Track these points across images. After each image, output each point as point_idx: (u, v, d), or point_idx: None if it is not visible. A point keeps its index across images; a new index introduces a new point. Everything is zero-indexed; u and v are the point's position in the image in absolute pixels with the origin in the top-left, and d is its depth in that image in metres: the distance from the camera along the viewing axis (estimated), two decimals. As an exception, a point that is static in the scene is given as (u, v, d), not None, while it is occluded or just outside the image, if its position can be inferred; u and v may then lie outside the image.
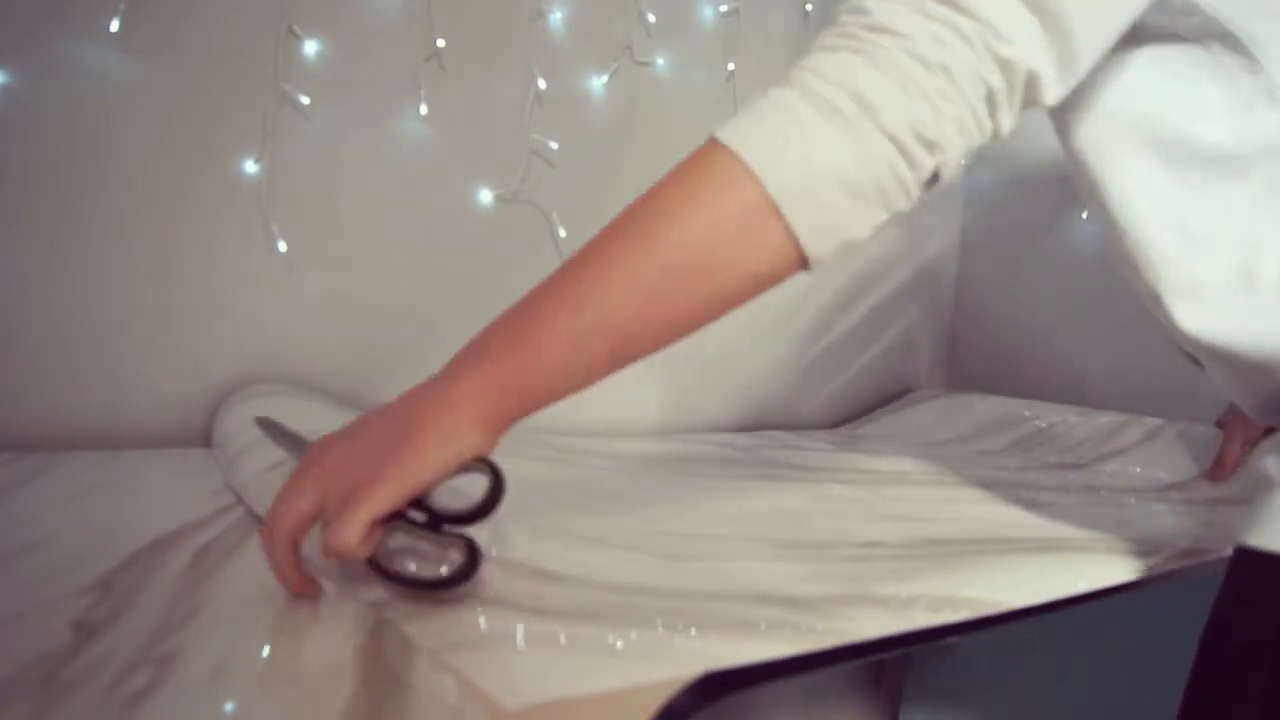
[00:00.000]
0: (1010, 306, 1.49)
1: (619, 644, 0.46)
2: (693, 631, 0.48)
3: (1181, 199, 0.55)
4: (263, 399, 0.88)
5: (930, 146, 0.47)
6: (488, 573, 0.53)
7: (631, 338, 0.48)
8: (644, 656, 0.45)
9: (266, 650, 0.43)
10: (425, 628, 0.45)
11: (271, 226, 0.94)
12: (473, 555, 0.48)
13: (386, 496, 0.45)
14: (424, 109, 1.02)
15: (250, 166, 0.93)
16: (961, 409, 1.38)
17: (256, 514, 0.62)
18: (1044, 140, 0.82)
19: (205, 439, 0.91)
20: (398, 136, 1.01)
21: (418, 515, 0.49)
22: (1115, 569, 0.67)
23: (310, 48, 0.95)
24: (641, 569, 0.59)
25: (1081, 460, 1.16)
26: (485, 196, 1.08)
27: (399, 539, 0.50)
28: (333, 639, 0.45)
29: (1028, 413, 1.30)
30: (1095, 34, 0.49)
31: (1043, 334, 1.41)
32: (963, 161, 0.50)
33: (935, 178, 0.49)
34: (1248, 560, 0.50)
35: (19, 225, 0.83)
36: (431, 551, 0.50)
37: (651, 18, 1.17)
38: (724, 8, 1.24)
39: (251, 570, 0.54)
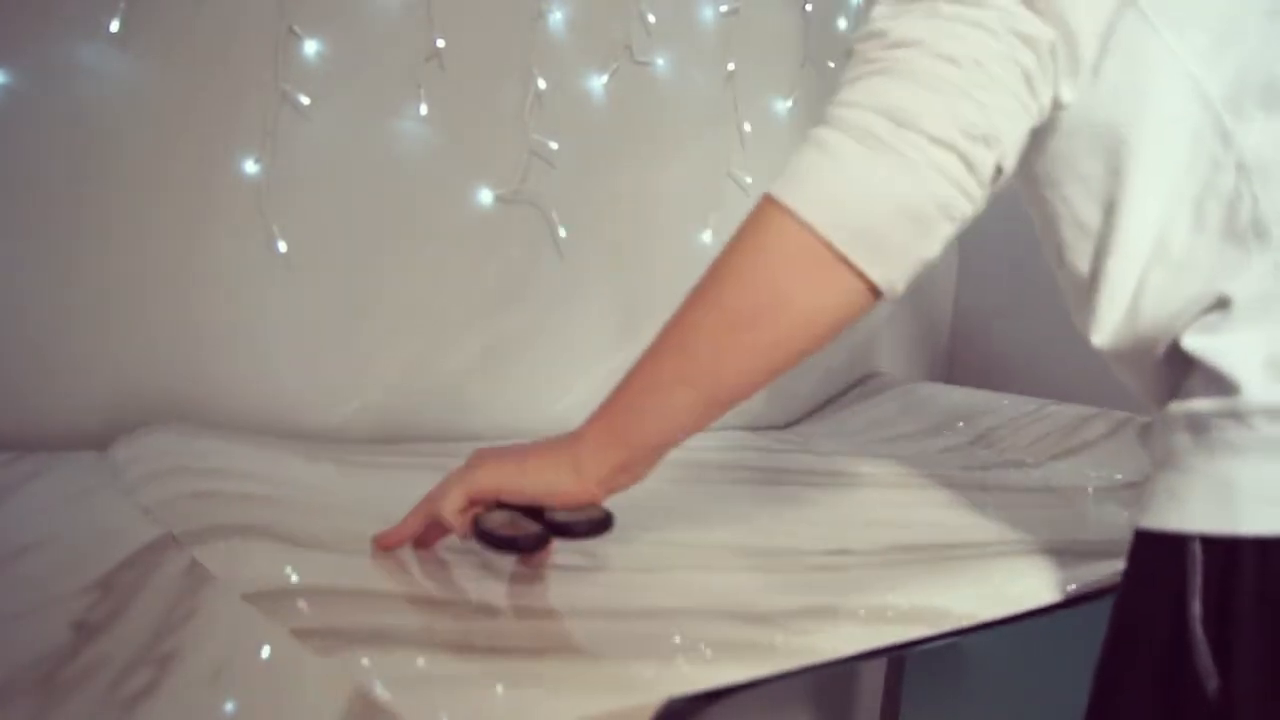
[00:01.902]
0: (1011, 304, 1.49)
1: (562, 676, 0.44)
2: (647, 662, 0.46)
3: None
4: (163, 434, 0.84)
5: (985, 141, 0.46)
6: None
7: (710, 386, 0.52)
8: (592, 689, 0.43)
9: (266, 650, 0.43)
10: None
11: (271, 226, 0.94)
12: (542, 538, 0.54)
13: (481, 480, 0.54)
14: (424, 109, 1.02)
15: (250, 166, 0.92)
16: (922, 401, 1.36)
17: (172, 533, 0.59)
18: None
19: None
20: (398, 136, 1.01)
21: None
22: (1076, 574, 0.67)
23: (310, 48, 0.95)
24: (596, 587, 0.58)
25: (1041, 456, 1.14)
26: (485, 196, 1.08)
27: (502, 519, 0.56)
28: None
29: (990, 405, 1.27)
30: (1092, 23, 0.49)
31: (1043, 331, 1.41)
32: (1021, 149, 0.50)
33: (999, 172, 0.49)
34: (1139, 542, 0.53)
35: (19, 224, 0.83)
36: (516, 529, 0.56)
37: (651, 18, 1.17)
38: (724, 8, 1.24)
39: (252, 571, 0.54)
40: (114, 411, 0.87)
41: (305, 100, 0.94)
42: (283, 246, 0.95)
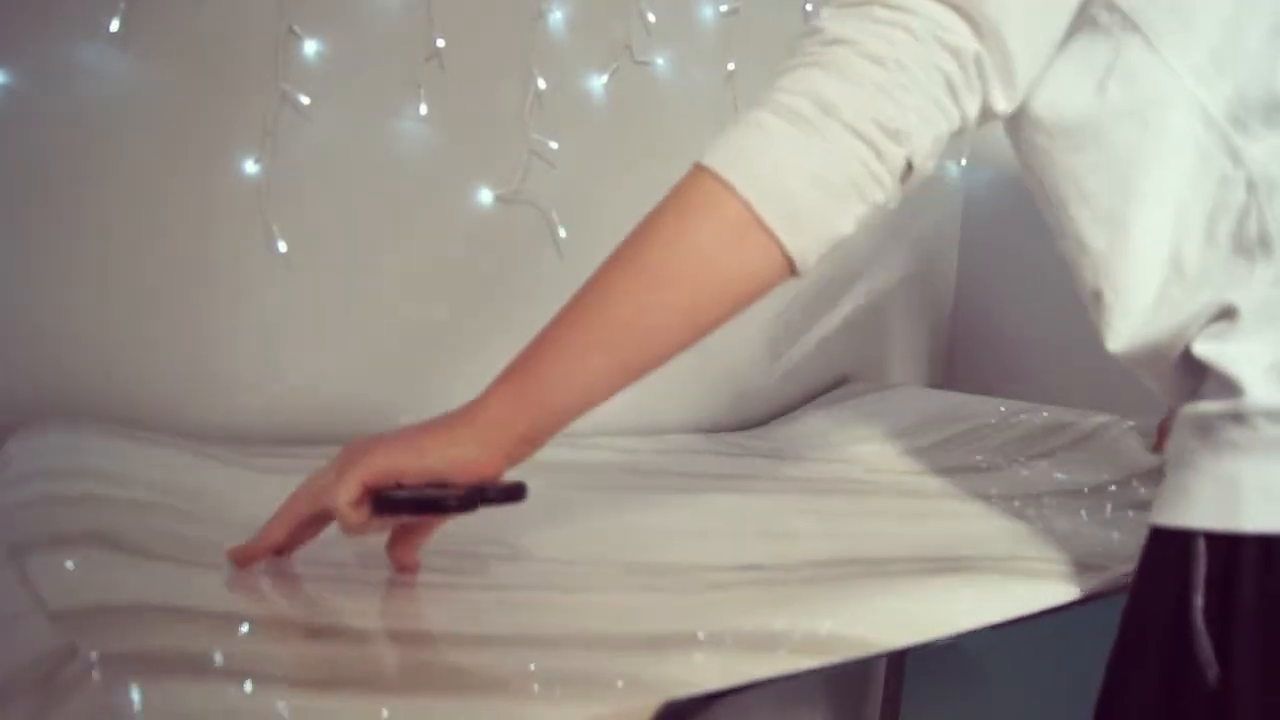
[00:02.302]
0: (1011, 306, 1.49)
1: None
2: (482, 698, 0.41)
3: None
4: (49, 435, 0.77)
5: (896, 136, 0.50)
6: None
7: (626, 349, 0.52)
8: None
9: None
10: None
11: (271, 226, 0.94)
12: (467, 499, 0.50)
13: (377, 463, 0.50)
14: (424, 109, 1.02)
15: (250, 166, 0.92)
16: (896, 404, 1.30)
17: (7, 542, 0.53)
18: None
19: (199, 438, 0.91)
20: (398, 136, 1.01)
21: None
22: (1013, 594, 0.62)
23: (310, 48, 0.95)
24: (471, 609, 0.53)
25: (1007, 461, 1.07)
26: (485, 196, 1.08)
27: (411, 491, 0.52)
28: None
29: (966, 408, 1.22)
30: (1029, 44, 0.51)
31: (1044, 334, 1.41)
32: (936, 150, 0.52)
33: (910, 168, 0.52)
34: (1151, 538, 0.54)
35: (19, 224, 0.83)
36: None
37: (651, 18, 1.17)
38: (724, 8, 1.24)
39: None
40: (114, 410, 0.87)
41: (305, 100, 0.94)
42: (283, 246, 0.95)
